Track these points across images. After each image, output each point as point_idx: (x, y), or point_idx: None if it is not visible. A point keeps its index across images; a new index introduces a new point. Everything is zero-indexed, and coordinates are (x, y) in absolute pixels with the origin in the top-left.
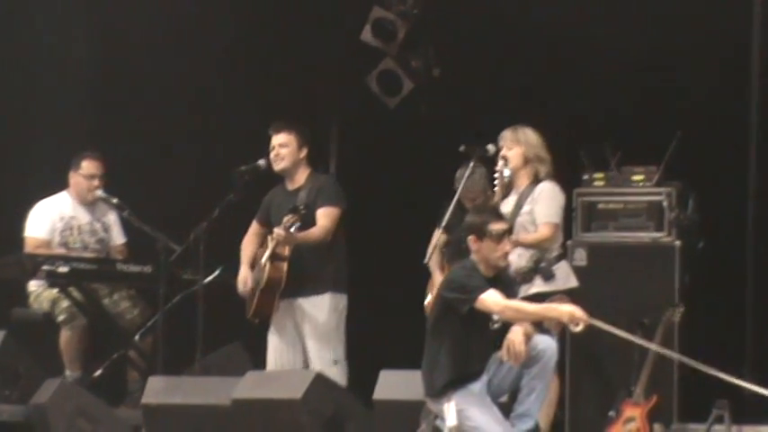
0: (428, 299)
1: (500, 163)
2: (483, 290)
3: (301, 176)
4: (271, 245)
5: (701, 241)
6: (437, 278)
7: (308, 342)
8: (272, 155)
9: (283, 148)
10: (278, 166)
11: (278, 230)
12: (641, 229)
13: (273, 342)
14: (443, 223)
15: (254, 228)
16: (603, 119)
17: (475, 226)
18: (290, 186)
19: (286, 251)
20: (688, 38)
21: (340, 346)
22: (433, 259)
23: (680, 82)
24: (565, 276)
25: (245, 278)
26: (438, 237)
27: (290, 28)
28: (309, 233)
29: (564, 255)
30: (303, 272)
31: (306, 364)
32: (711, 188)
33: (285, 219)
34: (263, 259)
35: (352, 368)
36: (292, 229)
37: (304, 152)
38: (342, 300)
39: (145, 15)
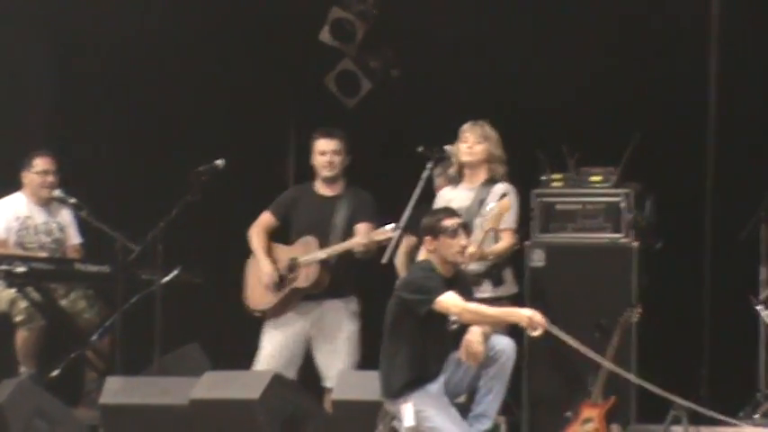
0: None
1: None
2: (441, 291)
3: (340, 184)
4: (335, 248)
5: (659, 242)
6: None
7: (327, 344)
8: (322, 160)
9: (337, 155)
10: (330, 172)
11: (367, 240)
12: (599, 230)
13: (270, 344)
14: (402, 224)
15: (266, 219)
16: (561, 120)
17: (429, 226)
18: (326, 192)
19: (333, 259)
20: (645, 37)
21: (358, 349)
22: (399, 261)
23: (638, 83)
24: (511, 281)
25: (271, 270)
26: (396, 237)
27: (248, 28)
28: (373, 250)
29: (511, 260)
30: (338, 276)
31: (298, 373)
32: (669, 189)
33: (380, 231)
34: (310, 259)
35: (309, 369)
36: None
37: (347, 162)
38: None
39: (103, 14)
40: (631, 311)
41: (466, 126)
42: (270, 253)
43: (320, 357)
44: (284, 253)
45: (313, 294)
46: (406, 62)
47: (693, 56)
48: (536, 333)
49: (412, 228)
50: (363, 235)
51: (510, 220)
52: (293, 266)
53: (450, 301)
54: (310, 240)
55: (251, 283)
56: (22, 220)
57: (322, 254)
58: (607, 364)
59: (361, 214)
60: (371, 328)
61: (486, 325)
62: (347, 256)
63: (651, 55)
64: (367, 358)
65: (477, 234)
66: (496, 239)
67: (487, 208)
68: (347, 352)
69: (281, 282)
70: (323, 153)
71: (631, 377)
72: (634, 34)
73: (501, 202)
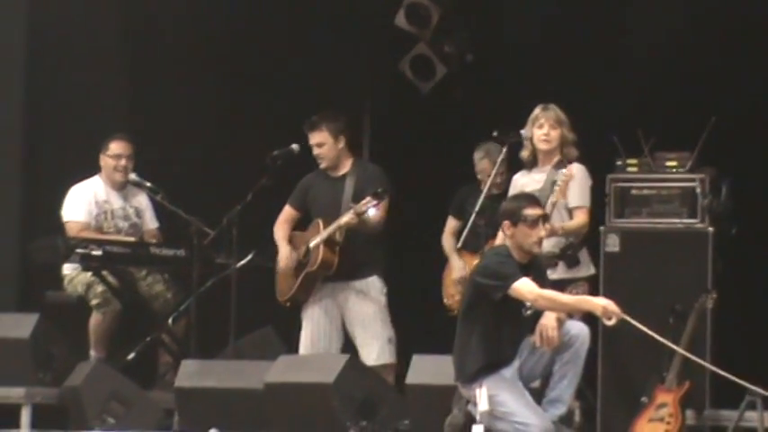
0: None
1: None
2: (516, 277)
3: (346, 163)
4: (331, 227)
5: (735, 227)
6: (454, 262)
7: (357, 324)
8: (314, 153)
9: (320, 147)
10: (321, 165)
11: (351, 214)
12: (674, 216)
13: (309, 326)
14: (477, 208)
15: (287, 212)
16: (637, 104)
17: (509, 211)
18: (334, 173)
19: (340, 236)
20: (723, 22)
21: (390, 324)
22: (446, 243)
23: (715, 67)
24: (586, 263)
25: (287, 255)
26: (471, 221)
27: (323, 12)
28: (370, 221)
29: (587, 241)
30: (353, 257)
31: (341, 349)
32: (745, 174)
33: (364, 201)
34: (316, 242)
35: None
36: (365, 216)
37: (342, 142)
38: (384, 283)
39: (177, 1)
40: (706, 297)
41: (537, 111)
42: (290, 242)
43: (354, 338)
44: (301, 239)
45: (334, 276)
46: (480, 46)
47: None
48: (610, 322)
49: (454, 211)
50: (350, 210)
51: (581, 197)
52: (307, 252)
53: (525, 287)
54: (317, 223)
55: (278, 276)
56: (100, 204)
57: (323, 234)
58: (681, 351)
59: (369, 188)
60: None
61: (560, 312)
62: (359, 235)
63: (727, 38)
64: (431, 342)
65: (548, 210)
66: (571, 217)
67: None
68: (374, 328)
69: (298, 267)
70: (312, 147)
71: (705, 363)
72: (710, 17)
73: (565, 172)
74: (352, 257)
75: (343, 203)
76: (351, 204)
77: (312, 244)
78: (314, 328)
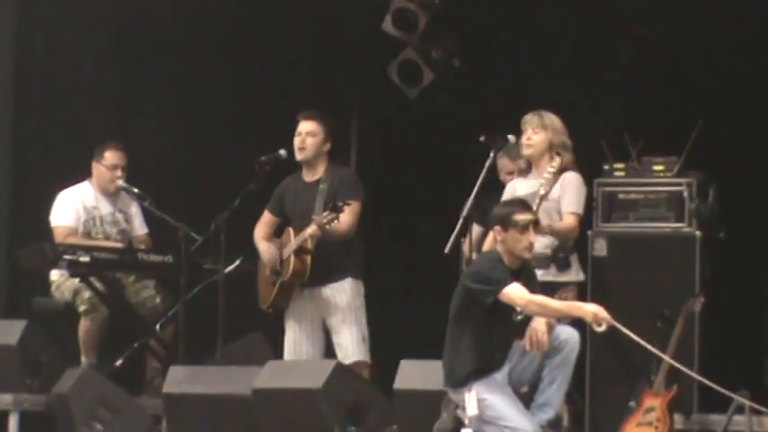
0: None
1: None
2: (507, 282)
3: (320, 168)
4: (297, 239)
5: (722, 231)
6: None
7: (333, 323)
8: (296, 141)
9: (310, 136)
10: (301, 155)
11: (314, 227)
12: (662, 220)
13: (291, 332)
14: (465, 213)
15: (265, 217)
16: (624, 108)
17: (500, 216)
18: (308, 177)
19: (310, 245)
20: (710, 26)
21: (365, 324)
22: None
23: (702, 71)
24: (577, 268)
25: (267, 250)
26: (459, 226)
27: (310, 18)
28: (337, 229)
29: (577, 245)
30: (326, 262)
31: (323, 354)
32: (732, 178)
33: (324, 215)
34: (287, 252)
35: (371, 358)
36: (328, 227)
37: (328, 146)
38: (361, 285)
39: (165, 5)
40: (694, 301)
41: (526, 117)
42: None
43: (333, 340)
44: (278, 247)
45: (309, 282)
46: (467, 52)
47: (759, 40)
48: (600, 328)
49: (477, 217)
50: (313, 222)
51: (576, 203)
52: (281, 261)
53: (515, 292)
54: (288, 231)
55: (258, 281)
56: (89, 210)
57: (292, 245)
58: (669, 361)
59: (341, 194)
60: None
61: (550, 317)
62: (330, 241)
63: (715, 42)
64: (422, 347)
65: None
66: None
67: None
68: (350, 328)
69: (274, 276)
70: (298, 134)
71: (692, 373)
72: (698, 21)
73: (552, 164)
74: (324, 263)
75: (315, 210)
76: (313, 216)
77: (285, 255)
78: (296, 334)
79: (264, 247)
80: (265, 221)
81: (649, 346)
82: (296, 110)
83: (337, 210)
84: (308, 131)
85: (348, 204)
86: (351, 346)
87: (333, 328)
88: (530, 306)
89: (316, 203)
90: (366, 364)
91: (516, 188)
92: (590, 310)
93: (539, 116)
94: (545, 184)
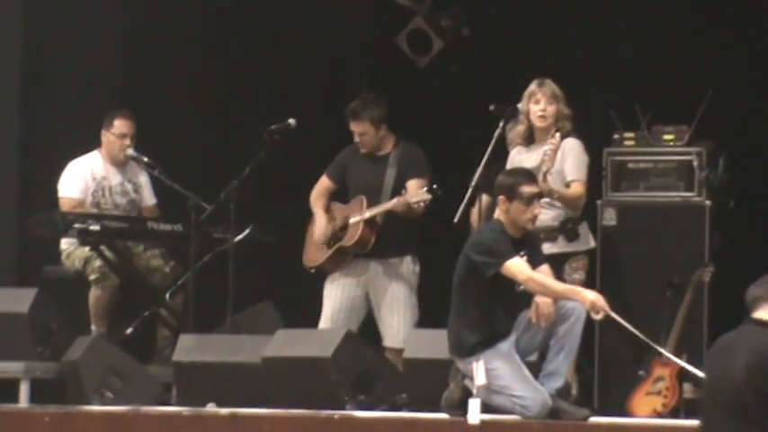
0: None
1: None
2: (510, 256)
3: (388, 144)
4: (375, 209)
5: (732, 201)
6: None
7: (386, 304)
8: (355, 140)
9: (363, 136)
10: (366, 149)
11: (402, 200)
12: (671, 189)
13: (334, 297)
14: (473, 182)
15: (323, 183)
16: (634, 78)
17: (505, 186)
18: (376, 152)
19: (380, 218)
20: None
21: (417, 309)
22: (475, 220)
23: (712, 39)
24: (585, 237)
25: (323, 225)
26: (468, 196)
27: None
28: (416, 209)
29: (585, 215)
30: (391, 236)
31: (359, 322)
32: (742, 147)
33: (420, 192)
34: (356, 219)
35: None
36: (416, 206)
37: (383, 129)
38: (418, 265)
39: None
40: (703, 270)
41: (533, 87)
42: (328, 212)
43: (378, 316)
44: (340, 212)
45: (365, 254)
46: (476, 20)
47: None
48: (598, 317)
49: (486, 187)
50: (400, 198)
51: (578, 171)
52: (344, 225)
53: (517, 267)
54: (360, 199)
55: (308, 242)
56: (98, 180)
57: (366, 214)
58: (664, 352)
59: (412, 171)
60: (442, 287)
61: (549, 297)
62: (396, 215)
63: (725, 9)
64: (437, 317)
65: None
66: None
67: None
68: (403, 312)
69: (332, 239)
70: (354, 134)
71: (680, 361)
72: None
73: (551, 141)
74: (388, 237)
75: (384, 185)
76: (402, 192)
77: (352, 220)
78: (334, 304)
79: (321, 222)
80: (323, 187)
81: (645, 338)
82: (305, 79)
83: (434, 193)
84: (360, 132)
85: (439, 192)
86: (402, 332)
87: (383, 309)
88: (530, 283)
89: (386, 178)
90: (402, 350)
91: (520, 159)
92: (589, 297)
93: (549, 86)
94: (547, 162)
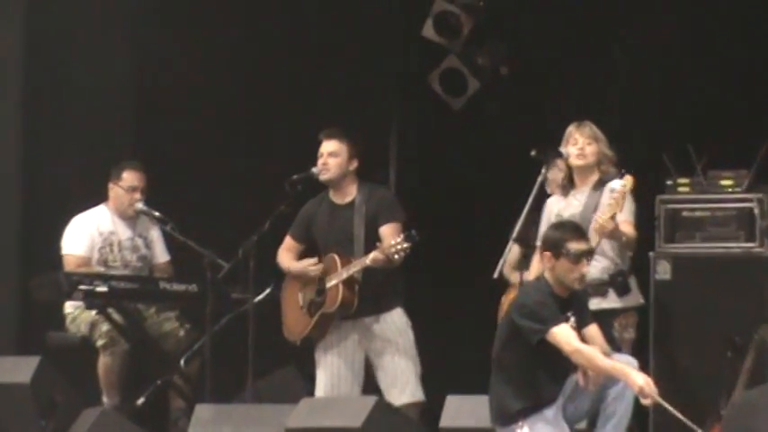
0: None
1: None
2: (556, 322)
3: (351, 189)
4: (351, 266)
5: None
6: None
7: (383, 359)
8: (318, 163)
9: (332, 157)
10: (324, 176)
11: (379, 254)
12: (731, 239)
13: (329, 368)
14: (515, 234)
15: (288, 244)
16: (688, 120)
17: (552, 242)
18: (339, 200)
19: (358, 274)
20: None
21: (418, 360)
22: (508, 272)
23: None
24: (636, 292)
25: (307, 265)
26: (509, 249)
27: (345, 23)
28: (396, 260)
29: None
30: (375, 291)
31: (360, 391)
32: None
33: (395, 242)
34: (333, 282)
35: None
36: (397, 256)
37: (354, 165)
38: (405, 314)
39: (186, 21)
40: (767, 328)
41: (572, 128)
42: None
43: (382, 375)
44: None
45: (356, 313)
46: (515, 58)
47: None
48: (646, 402)
49: (524, 237)
50: (376, 252)
51: (627, 211)
52: (321, 290)
53: (563, 336)
54: (333, 258)
55: (285, 311)
56: (105, 235)
57: (343, 275)
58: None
59: (383, 216)
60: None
61: (596, 373)
62: (378, 269)
63: None
64: (469, 381)
65: (594, 237)
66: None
67: (608, 199)
68: (412, 364)
69: (312, 306)
70: (320, 155)
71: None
72: (763, 29)
73: (622, 182)
74: (372, 292)
75: (354, 236)
76: (378, 244)
77: (329, 284)
78: (335, 370)
79: (305, 264)
80: (288, 248)
81: (693, 425)
82: (332, 123)
83: (412, 239)
84: (330, 152)
85: (417, 238)
86: (407, 385)
87: (383, 366)
88: (576, 356)
89: (354, 227)
90: (419, 403)
91: (560, 208)
92: (638, 382)
93: (588, 126)
94: (613, 204)
